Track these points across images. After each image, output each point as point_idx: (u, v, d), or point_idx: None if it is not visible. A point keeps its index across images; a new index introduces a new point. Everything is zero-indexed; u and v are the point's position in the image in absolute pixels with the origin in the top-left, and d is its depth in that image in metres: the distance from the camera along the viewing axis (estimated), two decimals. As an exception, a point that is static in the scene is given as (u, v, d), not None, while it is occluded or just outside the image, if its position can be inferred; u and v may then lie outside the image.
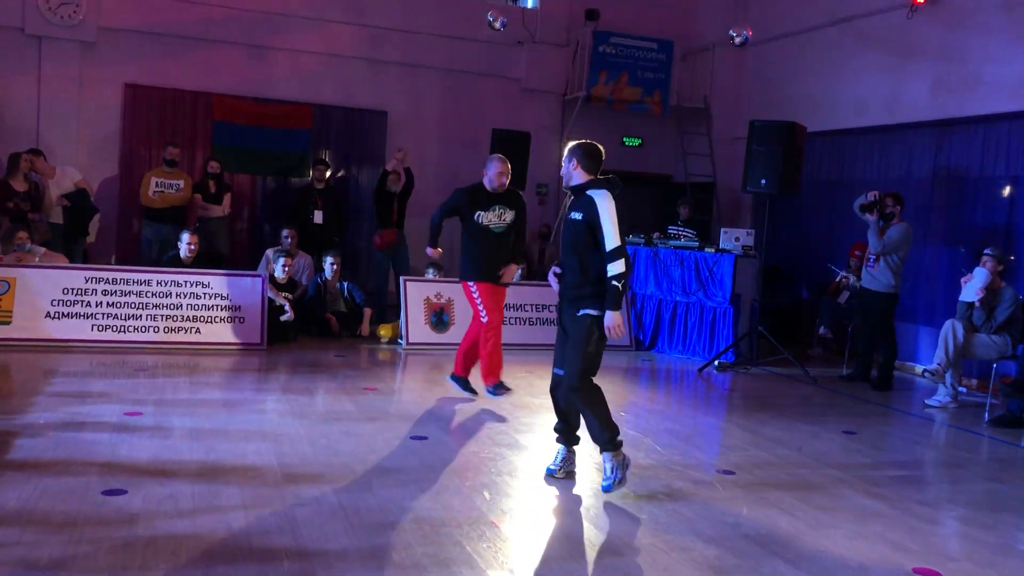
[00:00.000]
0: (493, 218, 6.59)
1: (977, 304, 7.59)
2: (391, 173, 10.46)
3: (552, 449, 5.61)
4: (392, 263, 10.59)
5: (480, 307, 6.63)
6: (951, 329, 7.60)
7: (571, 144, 4.84)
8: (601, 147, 4.81)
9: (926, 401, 7.84)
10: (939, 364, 7.65)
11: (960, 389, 7.90)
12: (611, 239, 4.53)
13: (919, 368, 9.31)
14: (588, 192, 4.65)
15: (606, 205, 4.57)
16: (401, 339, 8.99)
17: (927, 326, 9.47)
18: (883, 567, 3.91)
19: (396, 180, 10.55)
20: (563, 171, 4.79)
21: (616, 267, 4.53)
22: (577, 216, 4.67)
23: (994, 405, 7.42)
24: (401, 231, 10.61)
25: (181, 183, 10.17)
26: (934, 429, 7.15)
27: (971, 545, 4.32)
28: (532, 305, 9.55)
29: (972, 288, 7.60)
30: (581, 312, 4.67)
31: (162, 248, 9.98)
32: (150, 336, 8.14)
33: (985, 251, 7.74)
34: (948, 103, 9.41)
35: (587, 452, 5.52)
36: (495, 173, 6.56)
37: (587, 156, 4.75)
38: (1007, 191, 8.88)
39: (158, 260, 9.74)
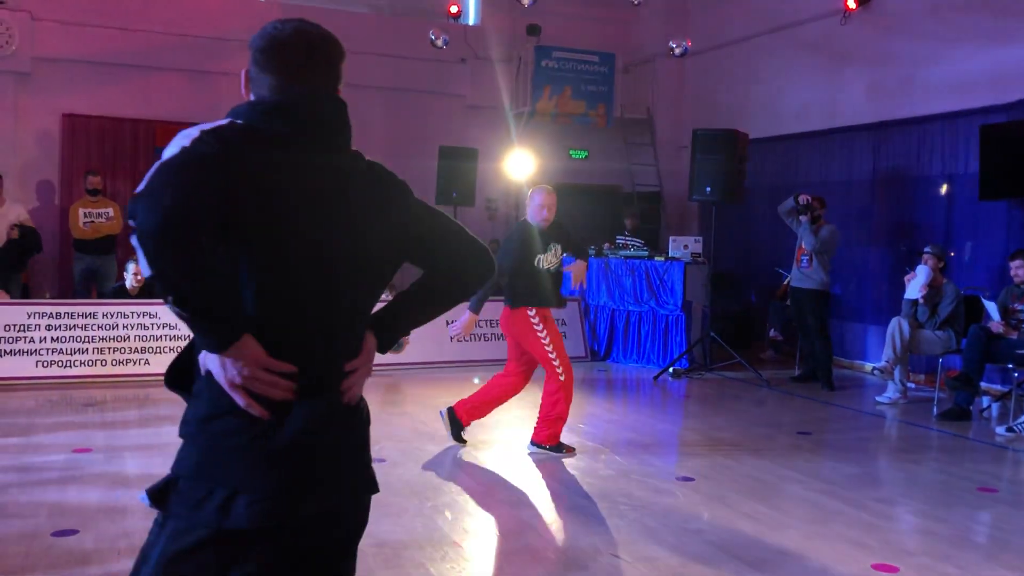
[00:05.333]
0: (552, 258, 5.84)
1: (921, 301, 7.77)
2: None
3: (513, 461, 5.61)
4: None
5: (552, 355, 5.64)
6: (897, 326, 7.76)
7: None
8: None
9: (876, 398, 7.98)
10: (887, 361, 7.80)
11: (909, 385, 8.06)
12: None
13: (868, 366, 9.48)
14: None
15: None
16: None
17: (874, 325, 9.66)
18: (843, 565, 3.96)
19: None
20: None
21: None
22: None
23: (942, 399, 7.59)
24: None
25: (110, 211, 9.92)
26: (885, 425, 7.28)
27: (927, 539, 4.40)
28: (486, 321, 9.54)
29: (916, 285, 7.77)
30: None
31: (94, 279, 9.78)
32: (97, 370, 7.95)
33: (925, 249, 7.92)
34: (884, 106, 9.64)
35: (547, 470, 5.53)
36: (537, 206, 5.76)
37: None
38: (944, 189, 9.11)
39: (98, 292, 9.55)
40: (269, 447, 1.65)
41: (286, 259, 1.68)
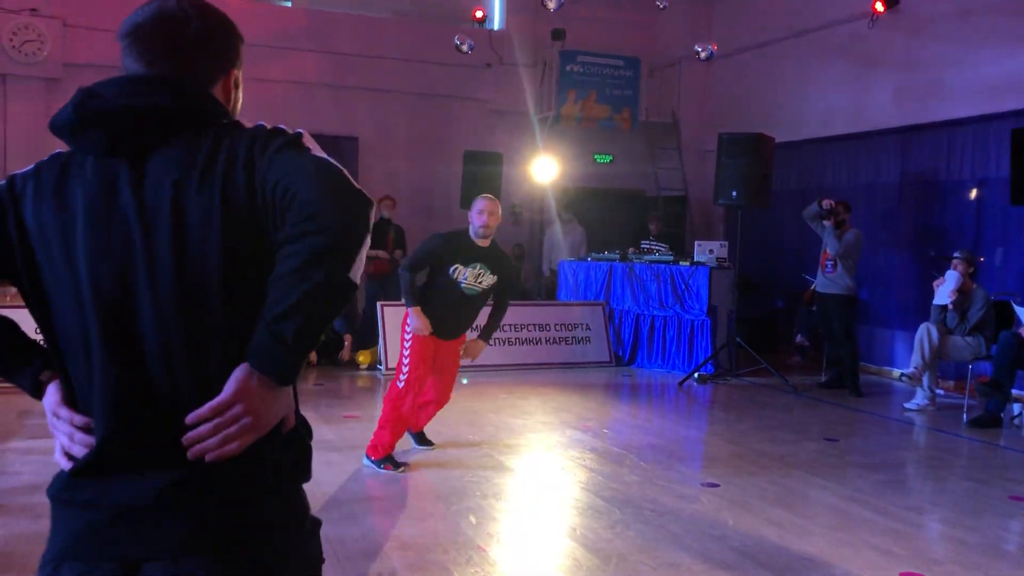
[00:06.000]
0: (470, 277, 5.26)
1: (950, 307, 7.68)
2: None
3: (537, 466, 5.60)
4: (383, 291, 10.57)
5: (405, 363, 5.30)
6: (926, 332, 7.68)
7: None
8: None
9: (905, 405, 7.90)
10: (916, 367, 7.71)
11: (937, 391, 7.97)
12: None
13: (896, 372, 9.39)
14: None
15: None
16: (380, 365, 8.95)
17: (902, 330, 9.56)
18: (870, 573, 3.92)
19: (391, 207, 10.55)
20: None
21: None
22: None
23: (971, 406, 7.49)
24: (394, 261, 10.58)
25: None
26: (914, 432, 7.20)
27: (956, 547, 4.34)
28: (510, 325, 9.55)
29: (944, 291, 7.68)
30: None
31: None
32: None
33: (954, 254, 7.84)
34: (912, 110, 9.55)
35: (571, 475, 5.52)
36: (476, 212, 5.24)
37: None
38: (973, 193, 9.01)
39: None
40: (63, 499, 1.50)
41: (59, 297, 1.47)
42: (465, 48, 11.12)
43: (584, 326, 9.95)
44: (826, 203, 8.55)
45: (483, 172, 11.19)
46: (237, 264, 1.41)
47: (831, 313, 8.65)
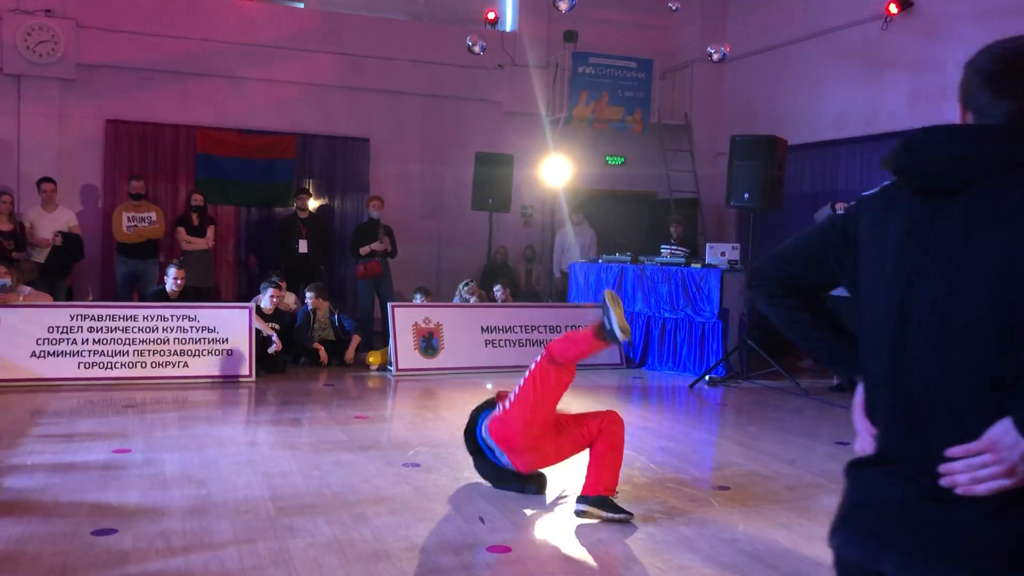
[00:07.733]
0: None
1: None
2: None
3: (547, 471, 5.59)
4: (377, 291, 10.60)
5: None
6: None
7: None
8: None
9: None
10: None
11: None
12: None
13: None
14: None
15: None
16: (390, 365, 8.96)
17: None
18: (882, 578, 3.90)
19: (379, 207, 10.62)
20: None
21: None
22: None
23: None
24: (386, 261, 10.61)
25: (153, 215, 10.07)
26: (927, 437, 7.15)
27: (969, 552, 4.30)
28: (520, 327, 9.55)
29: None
30: None
31: (137, 283, 9.93)
32: (137, 372, 8.07)
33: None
34: (926, 112, 9.49)
35: (582, 477, 5.52)
36: None
37: None
38: (988, 197, 8.95)
39: (140, 295, 9.72)
40: (848, 475, 1.79)
41: (867, 305, 1.68)
42: (477, 50, 11.13)
43: (595, 328, 9.92)
44: (839, 206, 8.52)
45: (494, 174, 11.20)
46: (1012, 317, 1.43)
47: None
